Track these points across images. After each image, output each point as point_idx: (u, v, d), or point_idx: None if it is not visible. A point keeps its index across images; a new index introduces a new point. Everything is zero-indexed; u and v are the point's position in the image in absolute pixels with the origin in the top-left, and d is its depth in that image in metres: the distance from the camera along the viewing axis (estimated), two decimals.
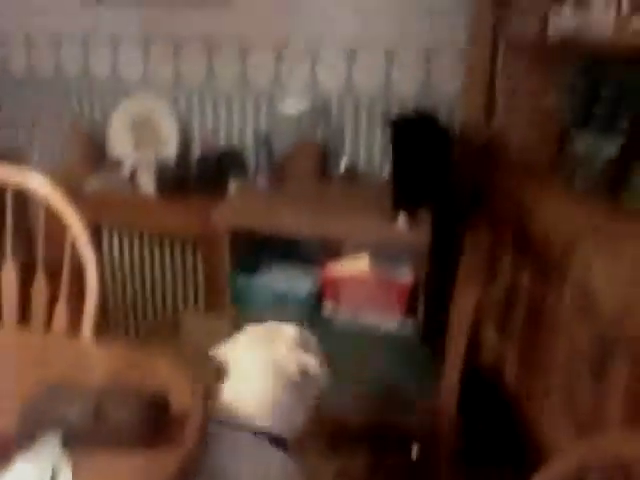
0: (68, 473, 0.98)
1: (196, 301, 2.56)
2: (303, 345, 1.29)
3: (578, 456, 0.90)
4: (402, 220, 1.96)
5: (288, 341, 1.28)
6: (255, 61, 2.55)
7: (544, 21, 1.95)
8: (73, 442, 1.02)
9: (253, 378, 1.25)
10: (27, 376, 1.21)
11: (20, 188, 1.53)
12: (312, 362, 1.25)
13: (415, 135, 2.06)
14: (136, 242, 2.58)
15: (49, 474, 0.97)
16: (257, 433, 1.21)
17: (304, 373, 1.25)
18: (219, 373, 1.31)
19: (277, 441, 1.23)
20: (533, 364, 1.99)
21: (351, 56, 2.44)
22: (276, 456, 1.22)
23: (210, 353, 1.34)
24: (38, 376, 1.16)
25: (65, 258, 1.43)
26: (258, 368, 1.25)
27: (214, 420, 1.21)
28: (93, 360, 1.33)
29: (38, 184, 1.52)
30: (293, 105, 2.41)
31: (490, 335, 2.10)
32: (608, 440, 0.91)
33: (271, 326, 1.36)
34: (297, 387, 1.25)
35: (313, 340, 1.37)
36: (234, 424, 1.22)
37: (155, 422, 1.06)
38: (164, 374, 1.21)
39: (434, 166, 1.99)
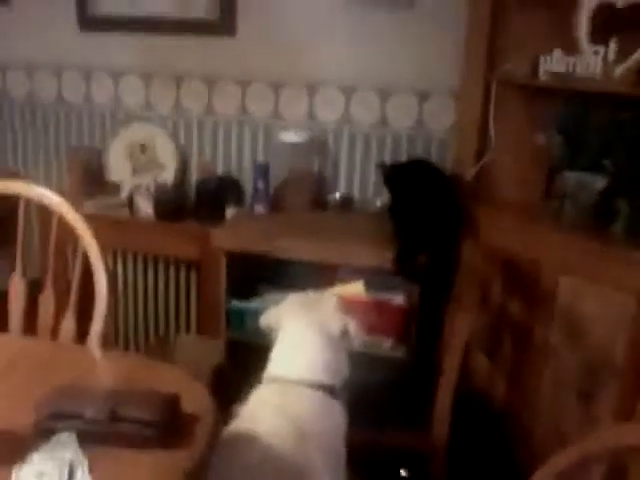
0: (85, 468, 1.00)
1: (189, 325, 2.58)
2: (342, 309, 1.52)
3: (580, 449, 0.94)
4: None
5: (330, 306, 1.52)
6: (254, 93, 2.63)
7: (535, 63, 2.06)
8: (89, 439, 1.05)
9: (304, 339, 1.45)
10: (38, 379, 1.23)
11: (29, 200, 1.58)
12: (351, 323, 1.49)
13: (412, 181, 2.15)
14: (130, 265, 2.60)
15: (67, 469, 1.00)
16: (311, 385, 1.40)
17: (345, 332, 1.48)
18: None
19: (327, 389, 1.42)
20: (522, 389, 2.04)
21: (348, 93, 2.53)
22: (328, 402, 1.41)
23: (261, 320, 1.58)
24: (49, 380, 1.18)
25: (76, 266, 1.46)
26: (307, 330, 1.46)
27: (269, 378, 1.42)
28: (103, 367, 1.35)
29: (50, 196, 1.57)
30: (291, 135, 2.47)
31: (481, 360, 2.15)
32: (610, 432, 0.96)
33: (312, 295, 1.60)
34: (340, 343, 1.48)
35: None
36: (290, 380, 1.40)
37: (168, 423, 1.09)
38: (174, 379, 1.24)
39: (433, 208, 2.07)
